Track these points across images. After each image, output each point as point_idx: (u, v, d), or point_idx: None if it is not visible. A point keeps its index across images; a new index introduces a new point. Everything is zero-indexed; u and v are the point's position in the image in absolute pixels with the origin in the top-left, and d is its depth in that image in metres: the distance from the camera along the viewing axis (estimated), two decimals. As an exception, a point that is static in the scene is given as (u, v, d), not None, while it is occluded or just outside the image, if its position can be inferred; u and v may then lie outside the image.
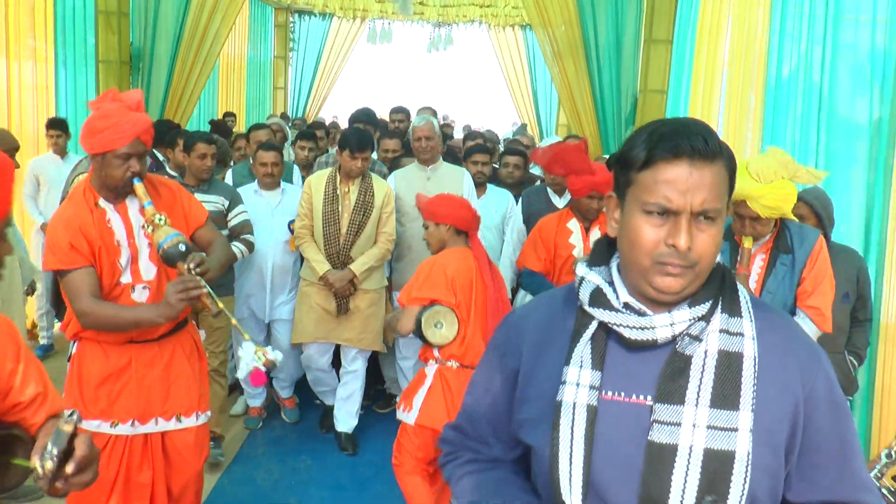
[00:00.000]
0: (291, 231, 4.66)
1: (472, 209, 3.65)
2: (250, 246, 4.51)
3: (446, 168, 5.03)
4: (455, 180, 4.90)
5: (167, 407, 2.87)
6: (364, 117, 6.31)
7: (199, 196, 3.93)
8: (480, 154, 5.29)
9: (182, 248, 2.68)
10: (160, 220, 2.73)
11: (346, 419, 4.75)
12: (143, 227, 2.78)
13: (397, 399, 3.83)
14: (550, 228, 3.87)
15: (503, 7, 11.79)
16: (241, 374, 2.77)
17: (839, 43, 4.34)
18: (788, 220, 3.05)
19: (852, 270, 3.57)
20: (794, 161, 2.95)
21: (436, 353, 3.44)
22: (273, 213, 4.83)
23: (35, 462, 1.43)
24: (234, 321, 2.73)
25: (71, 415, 1.49)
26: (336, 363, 4.83)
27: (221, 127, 7.99)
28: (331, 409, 4.89)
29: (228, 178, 5.38)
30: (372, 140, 4.75)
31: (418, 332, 3.38)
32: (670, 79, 7.30)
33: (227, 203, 4.49)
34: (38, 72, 6.48)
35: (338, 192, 4.57)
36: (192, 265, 2.63)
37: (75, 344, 2.86)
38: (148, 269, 2.81)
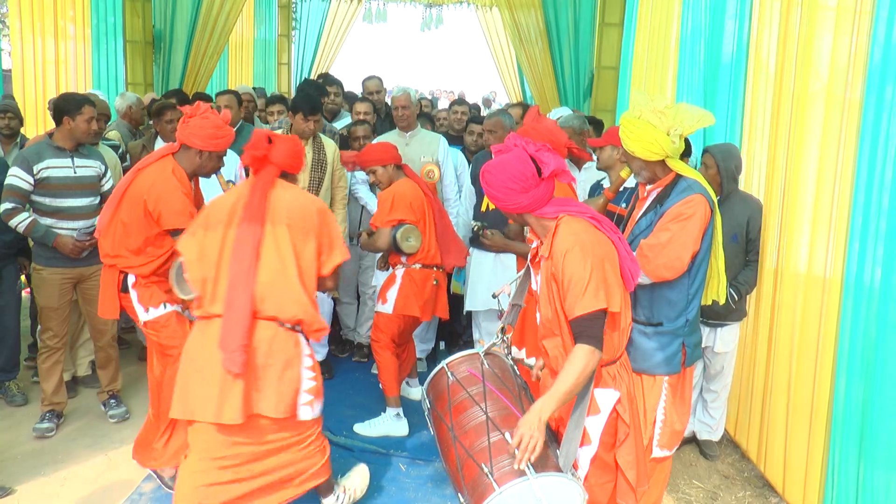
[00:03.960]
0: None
1: (395, 147, 4.60)
2: None
3: (423, 134, 5.62)
4: (431, 144, 5.55)
5: None
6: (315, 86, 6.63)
7: (77, 160, 4.39)
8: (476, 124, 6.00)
9: None
10: None
11: (318, 349, 5.34)
12: None
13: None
14: None
15: (486, -10, 12.82)
16: None
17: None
18: (685, 176, 3.04)
19: (743, 216, 4.08)
20: (674, 115, 2.92)
21: (403, 259, 4.58)
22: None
23: None
24: None
25: None
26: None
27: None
28: None
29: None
30: (321, 107, 5.14)
31: (395, 245, 4.48)
32: (621, 57, 8.37)
33: (103, 168, 4.56)
34: (78, 50, 7.59)
35: None
36: None
37: (133, 278, 3.72)
38: None
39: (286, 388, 3.13)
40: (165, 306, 3.79)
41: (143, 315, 3.77)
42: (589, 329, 2.58)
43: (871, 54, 3.35)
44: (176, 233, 3.66)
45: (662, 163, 3.06)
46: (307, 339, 3.27)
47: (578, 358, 2.56)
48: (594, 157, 4.27)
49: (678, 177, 3.07)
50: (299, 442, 3.26)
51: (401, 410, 4.61)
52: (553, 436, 2.82)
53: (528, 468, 2.54)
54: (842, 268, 3.53)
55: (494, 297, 3.50)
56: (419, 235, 4.52)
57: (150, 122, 6.40)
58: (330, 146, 5.21)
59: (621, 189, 4.31)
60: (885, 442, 3.26)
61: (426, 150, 5.55)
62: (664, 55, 6.67)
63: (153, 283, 3.77)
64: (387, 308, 4.58)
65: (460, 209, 5.35)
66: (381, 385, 4.68)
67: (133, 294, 3.76)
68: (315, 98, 5.18)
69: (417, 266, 4.59)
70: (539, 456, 2.56)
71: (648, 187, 3.16)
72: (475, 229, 4.04)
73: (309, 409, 3.23)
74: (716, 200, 3.10)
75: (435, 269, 4.63)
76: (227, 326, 3.03)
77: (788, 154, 4.04)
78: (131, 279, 3.75)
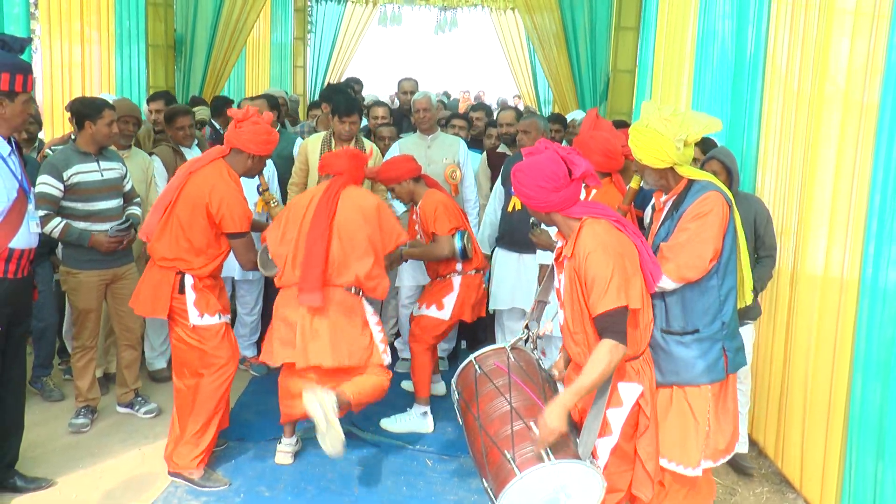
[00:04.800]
0: (260, 193, 4.75)
1: (412, 158, 4.68)
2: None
3: (444, 137, 5.76)
4: (452, 147, 5.69)
5: None
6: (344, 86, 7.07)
7: (103, 164, 4.46)
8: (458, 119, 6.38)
9: None
10: (275, 202, 4.58)
11: None
12: (270, 204, 4.55)
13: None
14: None
15: (501, -7, 12.91)
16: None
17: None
18: (699, 180, 3.08)
19: (749, 213, 4.05)
20: (681, 122, 2.96)
21: (458, 266, 4.64)
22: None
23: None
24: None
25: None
26: None
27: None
28: None
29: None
30: (358, 107, 5.25)
31: (462, 253, 4.54)
32: (637, 60, 8.47)
33: (124, 169, 4.65)
34: (102, 54, 7.72)
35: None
36: None
37: (190, 276, 3.86)
38: None
39: (356, 340, 3.93)
40: (220, 316, 3.95)
41: (195, 318, 3.88)
42: (613, 325, 2.71)
43: (889, 57, 3.44)
44: (234, 236, 3.85)
45: (674, 171, 3.10)
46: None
47: (603, 352, 2.70)
48: None
49: (691, 182, 3.09)
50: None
51: (429, 409, 4.72)
52: (574, 426, 2.94)
53: (548, 454, 2.70)
54: (858, 269, 3.61)
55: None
56: (471, 240, 4.65)
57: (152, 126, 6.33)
58: (369, 149, 5.31)
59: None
60: (902, 439, 3.35)
61: (447, 152, 5.68)
62: (680, 59, 6.74)
63: (208, 289, 3.92)
64: (444, 314, 4.64)
65: (489, 209, 5.33)
66: (413, 383, 4.80)
67: (190, 296, 3.88)
68: (349, 99, 5.31)
69: (472, 272, 4.69)
70: (560, 444, 2.73)
71: (663, 198, 3.20)
72: (532, 224, 4.12)
73: (386, 356, 4.01)
74: (733, 200, 3.13)
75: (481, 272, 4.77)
76: (304, 275, 3.82)
77: (805, 156, 4.13)
78: (189, 281, 3.88)
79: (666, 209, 3.17)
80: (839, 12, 3.87)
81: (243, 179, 4.08)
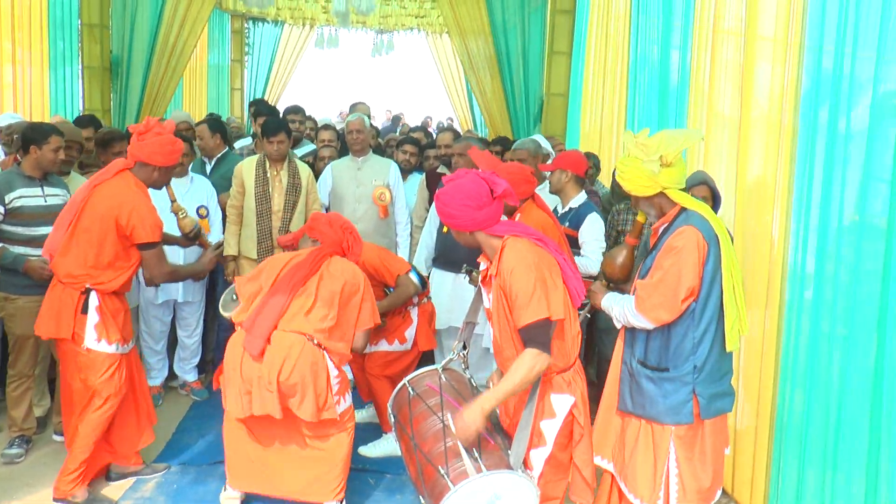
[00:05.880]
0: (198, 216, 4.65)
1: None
2: None
3: (375, 160, 5.86)
4: (382, 170, 5.78)
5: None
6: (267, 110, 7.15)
7: (47, 189, 4.41)
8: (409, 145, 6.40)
9: (201, 230, 4.37)
10: (183, 214, 4.31)
11: None
12: (178, 215, 4.28)
13: None
14: None
15: (436, 17, 13.08)
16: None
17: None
18: (688, 210, 2.99)
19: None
20: (658, 143, 2.91)
21: (415, 299, 4.66)
22: (182, 200, 4.78)
23: None
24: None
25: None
26: None
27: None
28: None
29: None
30: (284, 126, 5.31)
31: (423, 285, 4.64)
32: (570, 84, 8.71)
33: (68, 196, 4.53)
34: (35, 76, 7.60)
35: (268, 175, 5.24)
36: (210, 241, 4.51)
37: (95, 296, 3.79)
38: None
39: (313, 393, 3.61)
40: (117, 347, 3.87)
41: (90, 342, 3.80)
42: (536, 335, 2.82)
43: (804, 81, 3.66)
44: (145, 247, 3.81)
45: (666, 197, 3.02)
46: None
47: (526, 359, 2.81)
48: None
49: (682, 210, 3.01)
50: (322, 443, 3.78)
51: None
52: (506, 437, 3.03)
53: (481, 464, 2.78)
54: (780, 284, 3.81)
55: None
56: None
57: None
58: (304, 171, 5.39)
59: (566, 209, 4.62)
60: (821, 444, 3.54)
61: (377, 174, 5.76)
62: (613, 83, 6.99)
63: (112, 314, 3.85)
64: (406, 346, 4.64)
65: (425, 231, 5.40)
66: (379, 416, 4.80)
67: (93, 317, 3.80)
68: (273, 120, 5.38)
69: (425, 300, 4.73)
70: (492, 455, 2.83)
71: (655, 225, 3.13)
72: (464, 271, 4.16)
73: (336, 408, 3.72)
74: (725, 234, 2.98)
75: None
76: (256, 320, 3.61)
77: (730, 177, 4.33)
78: (94, 302, 3.80)
79: (657, 237, 3.09)
80: (758, 39, 4.09)
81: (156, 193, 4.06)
